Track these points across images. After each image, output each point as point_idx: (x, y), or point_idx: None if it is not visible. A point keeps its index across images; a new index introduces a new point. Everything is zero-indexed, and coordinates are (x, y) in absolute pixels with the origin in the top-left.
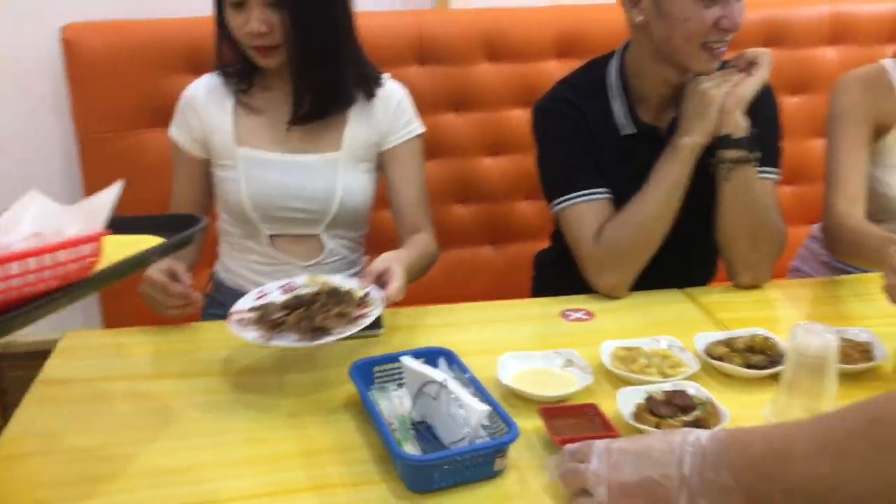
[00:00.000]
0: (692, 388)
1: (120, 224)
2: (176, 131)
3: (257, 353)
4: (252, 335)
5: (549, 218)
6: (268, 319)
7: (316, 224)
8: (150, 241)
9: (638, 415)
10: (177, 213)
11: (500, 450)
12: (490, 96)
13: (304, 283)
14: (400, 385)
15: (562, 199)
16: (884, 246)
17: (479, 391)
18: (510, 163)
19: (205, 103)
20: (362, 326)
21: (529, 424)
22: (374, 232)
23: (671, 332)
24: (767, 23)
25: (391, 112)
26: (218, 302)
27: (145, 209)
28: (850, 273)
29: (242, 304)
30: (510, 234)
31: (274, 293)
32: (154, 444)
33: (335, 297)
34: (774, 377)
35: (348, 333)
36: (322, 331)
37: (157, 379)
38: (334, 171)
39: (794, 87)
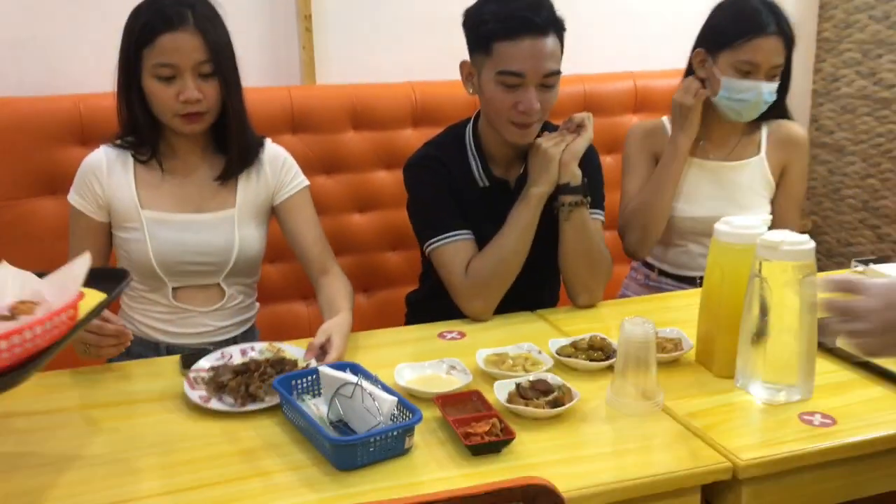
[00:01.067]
0: (550, 378)
1: None
2: (77, 198)
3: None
4: (195, 394)
5: (414, 264)
6: (216, 381)
7: (217, 274)
8: (95, 295)
9: (510, 399)
10: None
11: (409, 429)
12: (356, 160)
13: (263, 349)
14: (314, 395)
15: (434, 240)
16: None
17: (385, 389)
18: (377, 218)
19: (107, 172)
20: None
21: (427, 415)
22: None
23: (529, 341)
24: (587, 94)
25: (278, 170)
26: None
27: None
28: (663, 292)
29: (203, 363)
30: (380, 281)
31: (234, 355)
32: (103, 456)
33: (277, 366)
34: (610, 367)
35: (275, 403)
36: (253, 398)
37: (84, 410)
38: (231, 227)
39: (608, 148)
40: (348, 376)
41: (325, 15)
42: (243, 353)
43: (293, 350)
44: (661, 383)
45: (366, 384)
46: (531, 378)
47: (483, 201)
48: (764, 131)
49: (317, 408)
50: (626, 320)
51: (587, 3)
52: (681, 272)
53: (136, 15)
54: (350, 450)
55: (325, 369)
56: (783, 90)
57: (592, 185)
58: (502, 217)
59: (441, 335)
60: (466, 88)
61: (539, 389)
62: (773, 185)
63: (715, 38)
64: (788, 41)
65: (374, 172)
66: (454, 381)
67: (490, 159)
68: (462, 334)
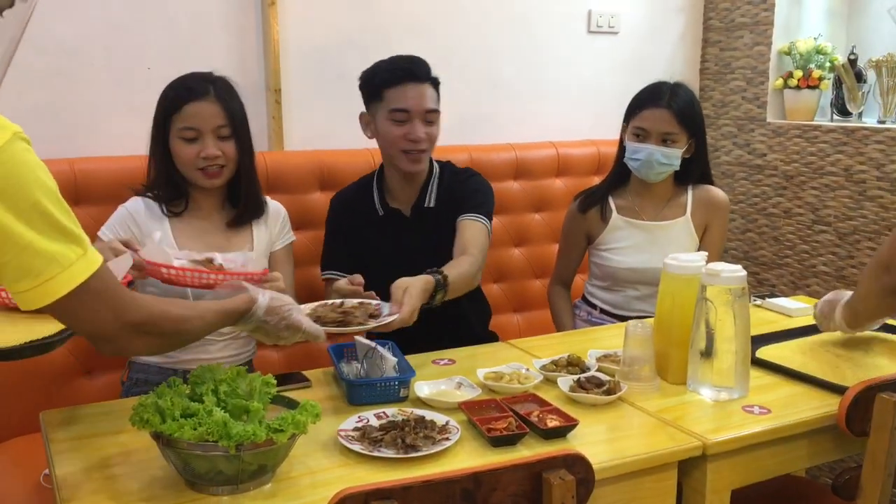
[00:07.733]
0: (600, 375)
1: None
2: (108, 233)
3: None
4: (358, 446)
5: None
6: (369, 437)
7: None
8: None
9: (573, 388)
10: None
11: (404, 382)
12: (322, 217)
13: (395, 412)
14: (355, 360)
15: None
16: None
17: (397, 355)
18: None
19: (145, 218)
20: (445, 447)
21: (456, 419)
22: None
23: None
24: (517, 161)
25: (279, 224)
26: (142, 381)
27: None
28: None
29: (346, 426)
30: None
31: (371, 419)
32: None
33: (421, 423)
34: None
35: (435, 450)
36: (413, 447)
37: None
38: (251, 265)
39: (535, 207)
40: (370, 343)
41: (291, 90)
42: (378, 416)
43: (426, 413)
44: (629, 393)
45: (381, 349)
46: (586, 376)
47: (380, 228)
48: (689, 194)
49: (354, 367)
50: (629, 323)
51: (522, 85)
52: (618, 312)
53: (166, 90)
54: (356, 389)
55: (359, 339)
56: (703, 159)
57: (478, 199)
58: (397, 241)
59: (434, 362)
60: (365, 134)
61: (593, 383)
62: (696, 241)
63: (627, 110)
64: (681, 114)
65: None
66: (465, 395)
67: (388, 193)
68: (452, 360)
